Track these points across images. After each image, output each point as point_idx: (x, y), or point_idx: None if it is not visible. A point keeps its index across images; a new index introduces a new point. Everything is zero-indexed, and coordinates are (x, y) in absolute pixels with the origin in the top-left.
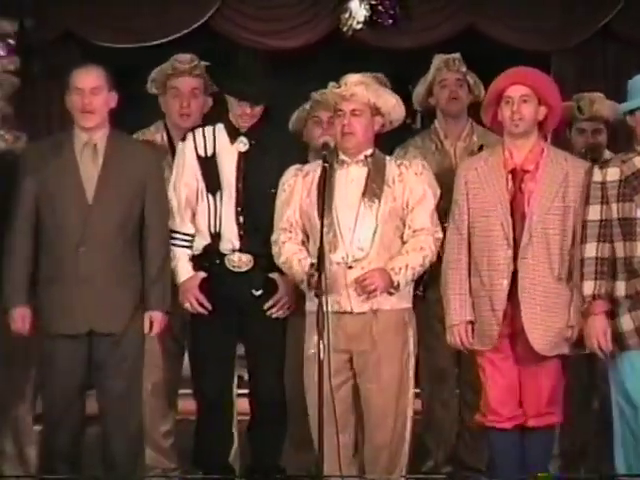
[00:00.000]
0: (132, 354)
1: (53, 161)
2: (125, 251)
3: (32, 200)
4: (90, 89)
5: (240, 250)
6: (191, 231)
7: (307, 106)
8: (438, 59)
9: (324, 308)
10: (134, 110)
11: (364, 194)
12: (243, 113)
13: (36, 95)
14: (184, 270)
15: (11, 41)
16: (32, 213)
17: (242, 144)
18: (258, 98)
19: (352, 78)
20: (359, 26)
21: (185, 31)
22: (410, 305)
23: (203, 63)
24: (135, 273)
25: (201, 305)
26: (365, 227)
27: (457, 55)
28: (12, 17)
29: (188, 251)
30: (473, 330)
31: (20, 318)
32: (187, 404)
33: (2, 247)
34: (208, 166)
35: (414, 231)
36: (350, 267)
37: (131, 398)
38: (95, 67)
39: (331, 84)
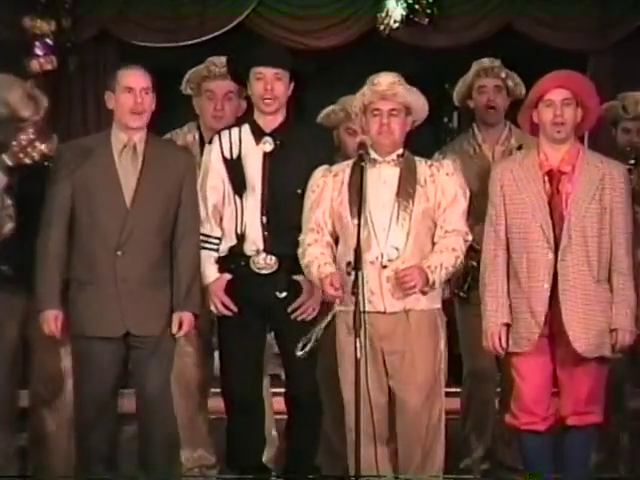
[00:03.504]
0: (167, 356)
1: (90, 162)
2: (162, 254)
3: (67, 202)
4: (141, 89)
5: (264, 251)
6: (218, 234)
7: (337, 108)
8: (477, 65)
9: (361, 307)
10: (167, 111)
11: (398, 194)
12: (264, 91)
13: (72, 94)
14: (210, 272)
15: (49, 41)
16: (66, 215)
17: (267, 144)
18: (274, 60)
19: (387, 77)
20: (396, 25)
21: (222, 31)
22: (440, 305)
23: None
24: (171, 276)
25: (226, 307)
26: (399, 227)
27: (497, 62)
28: (50, 17)
29: (214, 254)
30: (509, 333)
31: (53, 320)
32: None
33: (36, 249)
34: (234, 168)
35: (446, 232)
36: (384, 267)
37: (167, 398)
38: (142, 68)
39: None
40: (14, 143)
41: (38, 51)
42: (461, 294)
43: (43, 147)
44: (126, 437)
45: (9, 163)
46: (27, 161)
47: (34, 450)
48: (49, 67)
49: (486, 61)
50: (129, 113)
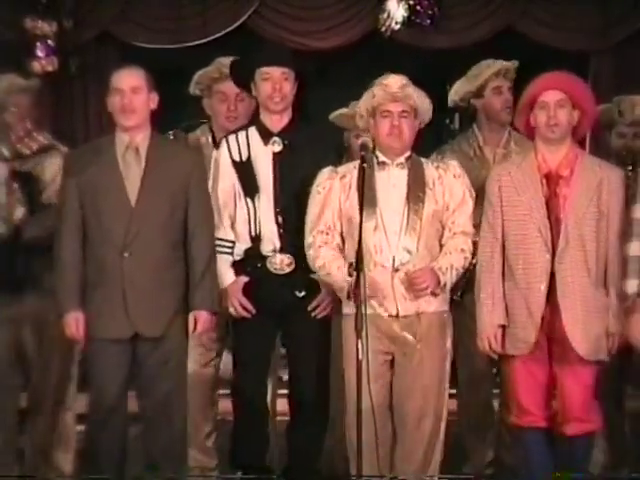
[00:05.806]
0: (175, 356)
1: (95, 165)
2: (169, 254)
3: (77, 205)
4: (130, 89)
5: (281, 250)
6: (231, 237)
7: (349, 112)
8: (497, 65)
9: (362, 310)
10: (174, 111)
11: (408, 197)
12: (273, 90)
13: (74, 95)
14: (226, 276)
15: (50, 42)
16: (78, 218)
17: (276, 145)
18: (281, 59)
19: (396, 79)
20: (397, 26)
21: (223, 32)
22: (448, 307)
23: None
24: (179, 276)
25: (245, 309)
26: (411, 231)
27: (516, 63)
28: (51, 18)
29: (229, 257)
30: (504, 334)
31: (74, 323)
32: (226, 404)
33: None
34: (244, 170)
35: (454, 233)
36: (396, 270)
37: (175, 399)
38: (135, 68)
39: (372, 89)
40: (11, 134)
41: (39, 52)
42: (455, 297)
43: (41, 138)
44: (130, 437)
45: (7, 154)
46: (25, 151)
47: (33, 452)
48: (50, 68)
49: (506, 62)
50: (120, 113)
